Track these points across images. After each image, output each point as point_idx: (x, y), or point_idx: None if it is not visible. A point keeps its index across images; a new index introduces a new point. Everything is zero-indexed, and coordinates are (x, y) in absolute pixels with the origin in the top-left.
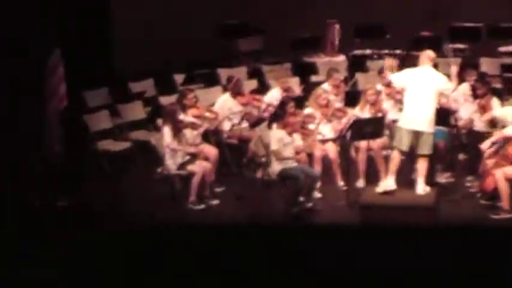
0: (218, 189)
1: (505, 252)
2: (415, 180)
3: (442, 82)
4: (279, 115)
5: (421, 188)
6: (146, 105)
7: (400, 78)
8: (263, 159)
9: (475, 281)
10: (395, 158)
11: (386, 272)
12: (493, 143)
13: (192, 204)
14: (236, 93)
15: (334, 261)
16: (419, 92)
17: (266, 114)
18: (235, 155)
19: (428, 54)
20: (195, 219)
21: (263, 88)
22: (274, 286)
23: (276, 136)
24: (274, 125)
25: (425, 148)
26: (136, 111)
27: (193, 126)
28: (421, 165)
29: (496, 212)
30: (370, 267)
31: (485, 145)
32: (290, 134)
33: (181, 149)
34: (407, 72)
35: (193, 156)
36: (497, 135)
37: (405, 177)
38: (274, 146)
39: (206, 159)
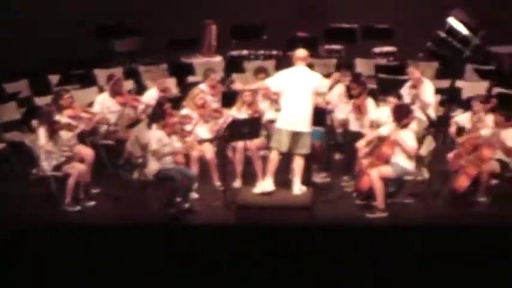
0: (94, 191)
1: (380, 251)
2: (291, 180)
3: (317, 80)
4: (158, 115)
5: (298, 187)
6: (20, 106)
7: (276, 82)
8: (140, 160)
9: (350, 280)
10: (274, 159)
11: (262, 272)
12: (368, 142)
13: (68, 206)
14: (115, 92)
15: (211, 261)
16: (296, 93)
17: (143, 116)
18: (112, 156)
19: (297, 55)
20: (72, 220)
21: (139, 89)
22: (151, 287)
23: (156, 136)
24: (154, 125)
25: (303, 148)
26: (11, 111)
27: (69, 127)
28: (298, 165)
29: (372, 211)
30: (247, 267)
31: (360, 143)
32: (169, 134)
33: (56, 152)
34: (282, 74)
35: (69, 158)
36: (372, 134)
37: (282, 177)
38: (153, 146)
39: (82, 160)
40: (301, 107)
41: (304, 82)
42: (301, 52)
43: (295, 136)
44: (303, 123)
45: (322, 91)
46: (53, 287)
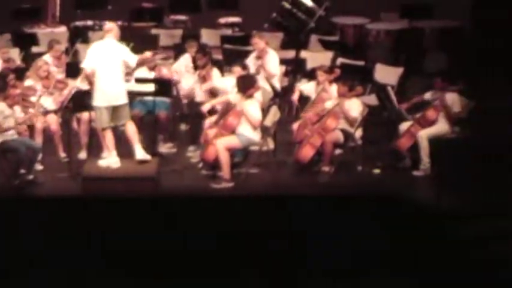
0: None
1: (225, 221)
2: (132, 149)
3: (126, 53)
4: None
5: (141, 153)
6: None
7: (89, 62)
8: None
9: (195, 251)
10: (107, 134)
11: (107, 244)
12: (214, 109)
13: None
14: None
15: (55, 233)
16: (108, 67)
17: None
18: None
19: (105, 27)
20: None
21: None
22: None
23: None
24: None
25: (123, 118)
26: None
27: None
28: (131, 132)
29: (217, 181)
30: (92, 239)
31: (205, 107)
32: (11, 106)
33: None
34: (91, 51)
35: None
36: (220, 99)
37: (126, 147)
38: None
39: None
40: (116, 81)
41: (114, 55)
42: (108, 25)
43: (115, 110)
44: (121, 96)
45: (130, 65)
46: None
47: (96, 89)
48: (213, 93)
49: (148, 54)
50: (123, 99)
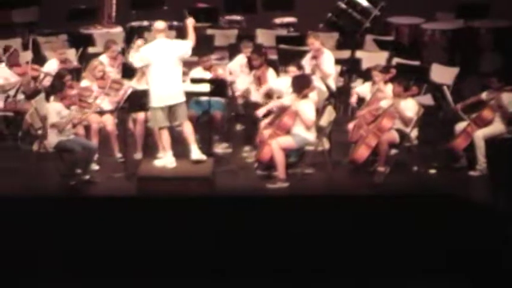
0: None
1: (282, 221)
2: (188, 148)
3: (179, 46)
4: (56, 88)
5: (196, 153)
6: None
7: (139, 59)
8: (39, 132)
9: (250, 250)
10: (163, 134)
11: (163, 243)
12: (269, 111)
13: None
14: (12, 63)
15: (112, 233)
16: (162, 67)
17: (45, 83)
18: (11, 128)
19: (156, 27)
20: None
21: (39, 60)
22: (51, 261)
23: (54, 109)
24: (52, 98)
25: (181, 117)
26: None
27: None
28: (188, 131)
29: (272, 181)
30: (147, 238)
31: (260, 112)
32: (68, 106)
33: None
34: (145, 50)
35: None
36: (274, 103)
37: (182, 147)
38: (52, 119)
39: None
40: (171, 80)
41: (168, 54)
42: (160, 24)
43: (172, 109)
44: (177, 96)
45: (186, 56)
46: None
47: (152, 90)
48: (268, 93)
49: (190, 20)
50: (180, 98)
